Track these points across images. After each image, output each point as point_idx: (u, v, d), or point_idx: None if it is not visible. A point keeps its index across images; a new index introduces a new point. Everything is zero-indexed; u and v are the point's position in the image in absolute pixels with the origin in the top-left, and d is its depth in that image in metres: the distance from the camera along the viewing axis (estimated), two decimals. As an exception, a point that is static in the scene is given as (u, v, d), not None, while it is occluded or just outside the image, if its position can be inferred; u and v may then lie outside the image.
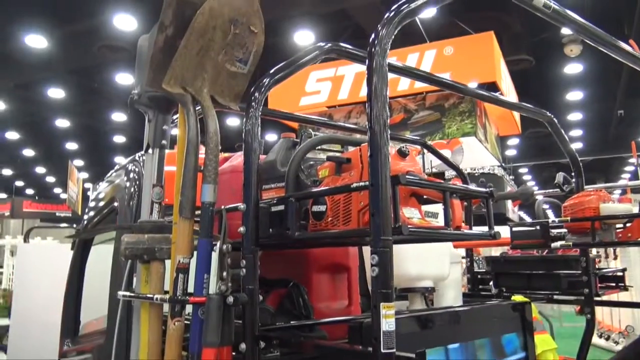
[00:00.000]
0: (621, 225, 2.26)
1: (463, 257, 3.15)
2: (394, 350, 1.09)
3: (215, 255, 1.55)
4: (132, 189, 2.26)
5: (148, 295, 1.63)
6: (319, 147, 1.81)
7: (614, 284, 2.80)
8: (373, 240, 1.14)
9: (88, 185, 17.30)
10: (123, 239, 1.65)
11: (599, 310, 8.05)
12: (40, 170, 21.42)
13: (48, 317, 4.73)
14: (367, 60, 1.26)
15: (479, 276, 3.06)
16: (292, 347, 1.49)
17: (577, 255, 2.64)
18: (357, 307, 2.05)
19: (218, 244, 1.52)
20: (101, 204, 2.71)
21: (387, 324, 1.08)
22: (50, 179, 22.95)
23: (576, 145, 15.86)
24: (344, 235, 1.38)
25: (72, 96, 13.01)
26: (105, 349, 2.14)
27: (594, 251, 3.10)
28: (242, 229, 1.50)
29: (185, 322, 1.60)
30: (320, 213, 1.50)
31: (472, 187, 1.50)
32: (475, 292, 3.01)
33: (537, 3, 1.52)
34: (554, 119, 2.55)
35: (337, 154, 1.64)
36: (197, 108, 1.66)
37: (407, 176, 1.27)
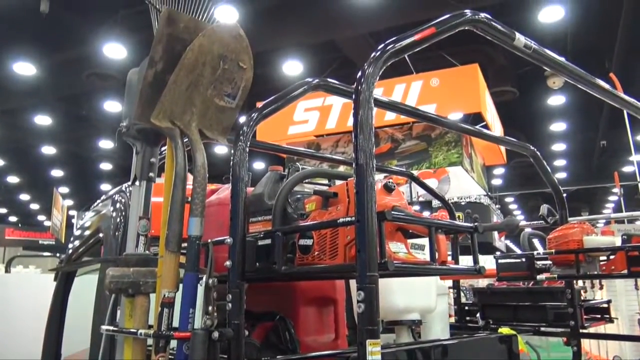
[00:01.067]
0: (605, 258, 2.28)
1: (450, 288, 3.15)
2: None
3: (201, 290, 1.54)
4: (118, 220, 2.25)
5: (132, 330, 1.60)
6: (306, 180, 1.83)
7: (599, 316, 2.81)
8: (359, 277, 1.14)
9: (73, 212, 17.11)
10: (108, 272, 1.63)
11: (587, 341, 8.04)
12: (24, 197, 21.17)
13: (29, 349, 4.63)
14: (353, 96, 1.29)
15: (466, 307, 3.06)
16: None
17: (563, 287, 2.66)
18: (344, 340, 2.04)
19: (204, 277, 1.51)
20: (86, 233, 2.68)
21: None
22: (35, 206, 22.67)
23: (560, 175, 16.11)
24: (330, 270, 1.38)
25: (59, 123, 12.99)
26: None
27: (579, 282, 3.12)
28: (228, 262, 1.50)
29: (170, 357, 1.58)
30: (307, 247, 1.51)
31: (458, 222, 1.52)
32: (462, 323, 3.00)
33: (518, 43, 1.57)
34: (537, 152, 2.60)
35: (324, 188, 1.65)
36: (185, 141, 1.68)
37: (393, 212, 1.29)
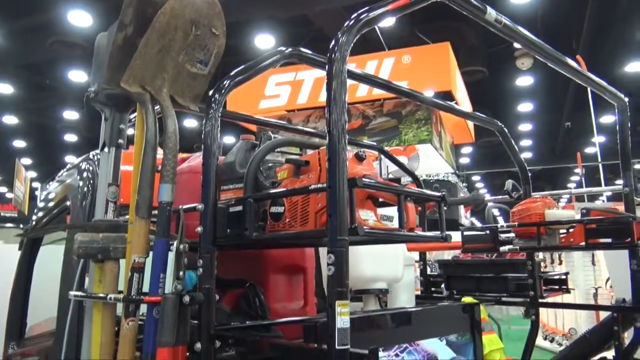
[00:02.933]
0: (565, 231, 2.37)
1: (416, 261, 3.23)
2: (348, 346, 1.12)
3: (171, 256, 1.55)
4: (86, 188, 2.21)
5: (101, 295, 1.60)
6: (278, 150, 1.84)
7: (557, 287, 2.94)
8: (330, 241, 1.17)
9: (36, 184, 16.67)
10: (76, 237, 1.62)
11: (544, 313, 8.37)
12: (-16, 167, 20.47)
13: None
14: (327, 66, 1.29)
15: (431, 279, 3.15)
16: (248, 346, 1.50)
17: (524, 260, 2.76)
18: (313, 307, 2.08)
19: (175, 243, 1.52)
20: (52, 203, 2.64)
21: (342, 321, 1.12)
22: (-5, 177, 21.97)
23: (526, 155, 16.49)
24: (301, 235, 1.40)
25: (21, 92, 12.54)
26: (53, 350, 2.09)
27: (540, 255, 3.23)
28: (199, 228, 1.51)
29: (139, 322, 1.59)
30: (278, 214, 1.53)
31: (426, 191, 1.56)
32: (427, 294, 3.09)
33: (489, 17, 1.59)
34: (504, 128, 2.67)
35: (296, 157, 1.66)
36: (155, 108, 1.66)
37: (364, 179, 1.31)
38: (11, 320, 2.81)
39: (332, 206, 1.19)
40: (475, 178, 20.71)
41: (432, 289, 3.12)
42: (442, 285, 3.00)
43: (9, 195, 19.84)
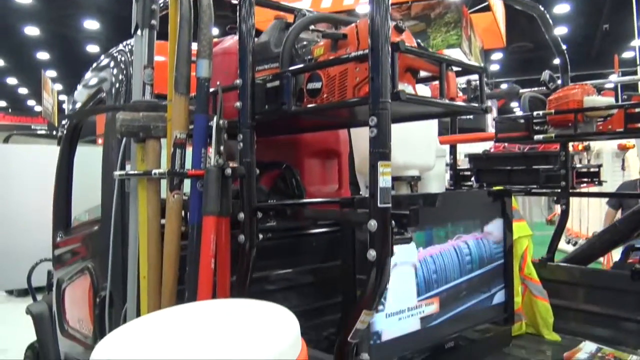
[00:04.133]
0: (603, 119, 2.32)
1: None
2: (390, 204, 1.15)
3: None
4: (120, 77, 2.22)
5: (146, 171, 1.66)
6: (314, 29, 1.79)
7: (589, 179, 2.92)
8: (372, 103, 1.17)
9: (63, 97, 16.82)
10: (118, 116, 1.65)
11: (569, 219, 8.46)
12: (11, 81, 20.66)
13: (34, 217, 4.80)
14: None
15: (461, 173, 3.16)
16: (288, 217, 1.55)
17: (557, 151, 2.74)
18: (347, 191, 2.13)
19: (215, 118, 1.54)
20: (86, 97, 2.67)
21: (384, 181, 1.14)
22: (23, 90, 22.21)
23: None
24: (341, 105, 1.40)
25: (39, 1, 12.32)
26: (100, 233, 2.19)
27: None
28: (238, 103, 1.52)
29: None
30: (315, 90, 1.52)
31: (467, 61, 1.52)
32: (457, 187, 3.12)
33: None
34: (545, 12, 2.54)
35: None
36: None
37: (406, 45, 1.28)
38: (57, 212, 2.95)
39: (374, 69, 1.18)
40: (505, 86, 20.13)
41: (462, 182, 3.14)
42: (472, 179, 3.02)
43: (38, 108, 20.16)
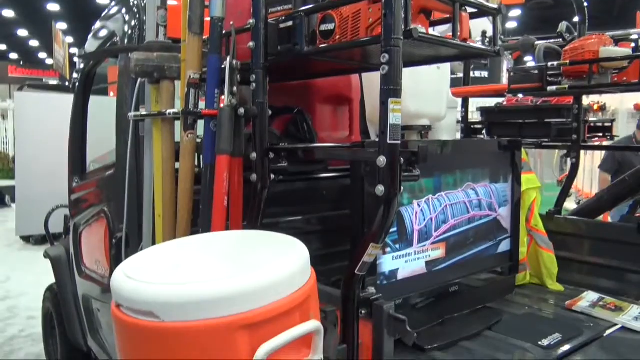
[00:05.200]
0: (617, 71, 2.29)
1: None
2: (399, 141, 1.18)
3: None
4: (133, 23, 2.22)
5: (160, 111, 1.69)
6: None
7: (601, 134, 2.91)
8: (384, 40, 1.18)
9: (74, 50, 16.74)
10: (132, 56, 1.67)
11: (580, 179, 8.41)
12: (22, 32, 20.55)
13: (50, 160, 4.88)
14: None
15: (472, 126, 3.15)
16: (299, 158, 1.58)
17: (570, 105, 2.72)
18: (358, 137, 2.15)
19: (228, 59, 1.55)
20: (99, 45, 2.67)
21: (394, 117, 1.16)
22: (34, 43, 22.11)
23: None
24: (353, 45, 1.40)
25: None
26: (115, 177, 2.25)
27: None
28: (251, 43, 1.52)
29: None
30: (328, 32, 1.52)
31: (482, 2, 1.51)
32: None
33: None
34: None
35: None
36: None
37: (419, -17, 1.28)
38: (72, 157, 3.01)
39: (387, 6, 1.18)
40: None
41: (473, 135, 3.13)
42: (483, 132, 3.01)
43: (49, 61, 20.10)
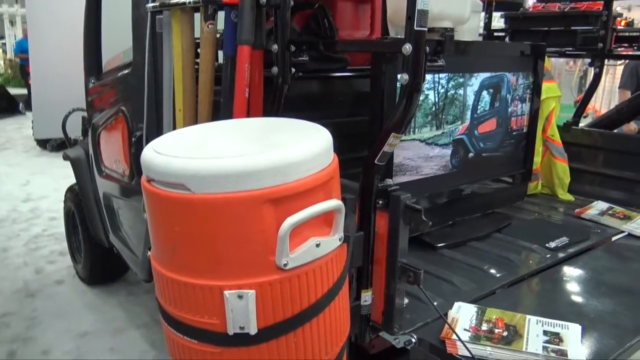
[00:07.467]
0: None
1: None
2: (426, 28, 1.16)
3: None
4: None
5: (179, 2, 1.65)
6: None
7: (628, 44, 2.81)
8: None
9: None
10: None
11: (598, 101, 8.25)
12: None
13: (66, 64, 4.84)
14: None
15: (494, 33, 3.06)
16: (320, 54, 1.57)
17: (599, 11, 2.61)
18: (379, 35, 2.10)
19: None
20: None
21: (422, 2, 1.14)
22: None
23: None
24: None
25: None
26: (133, 75, 2.23)
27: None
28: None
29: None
30: None
31: None
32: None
33: None
34: None
35: None
36: None
37: None
38: (87, 58, 2.98)
39: None
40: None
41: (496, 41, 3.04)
42: (507, 39, 2.93)
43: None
